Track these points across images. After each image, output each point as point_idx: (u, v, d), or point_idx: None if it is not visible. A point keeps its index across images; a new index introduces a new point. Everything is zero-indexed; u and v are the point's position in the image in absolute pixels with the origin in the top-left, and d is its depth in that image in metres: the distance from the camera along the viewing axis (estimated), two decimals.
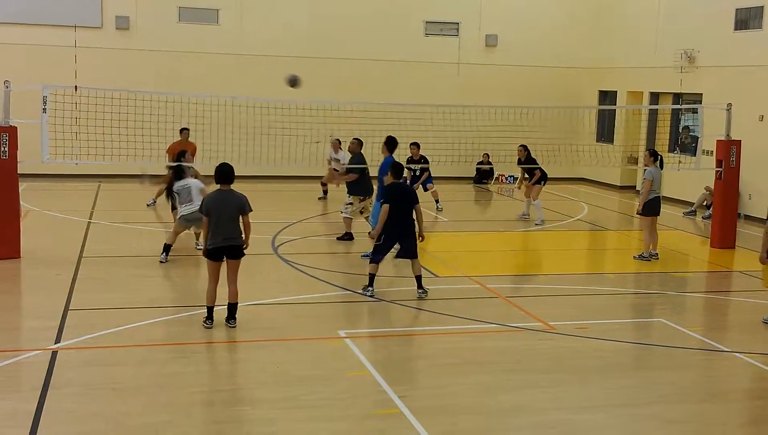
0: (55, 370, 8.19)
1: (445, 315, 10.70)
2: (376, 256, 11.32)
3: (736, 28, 20.00)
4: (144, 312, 10.39)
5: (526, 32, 25.30)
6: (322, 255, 14.28)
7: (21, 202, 13.78)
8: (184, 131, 17.46)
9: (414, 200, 11.31)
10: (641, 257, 14.18)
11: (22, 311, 10.72)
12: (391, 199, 11.16)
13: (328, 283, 12.06)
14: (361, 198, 14.67)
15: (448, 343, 9.66)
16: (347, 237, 14.90)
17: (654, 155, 14.41)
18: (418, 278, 11.38)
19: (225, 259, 9.57)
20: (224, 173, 9.59)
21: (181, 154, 14.19)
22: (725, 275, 13.96)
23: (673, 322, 10.53)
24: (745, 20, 19.77)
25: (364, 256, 13.06)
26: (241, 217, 9.57)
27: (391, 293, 11.65)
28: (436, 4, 24.99)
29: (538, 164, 17.98)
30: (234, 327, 9.56)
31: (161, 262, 12.89)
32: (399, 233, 11.24)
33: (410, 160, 18.25)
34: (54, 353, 8.68)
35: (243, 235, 9.62)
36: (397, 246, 11.52)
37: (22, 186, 14.01)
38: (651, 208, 14.21)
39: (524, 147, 18.03)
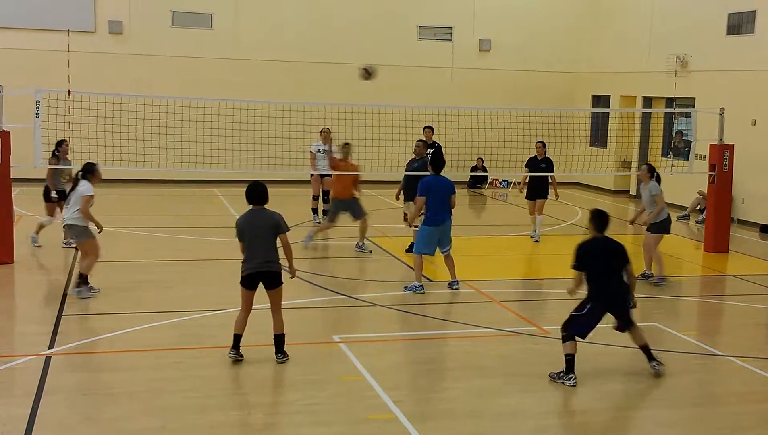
0: (49, 376, 8.16)
1: (440, 320, 10.70)
2: (576, 330, 8.53)
3: (728, 33, 20.07)
4: (137, 317, 10.36)
5: (519, 37, 25.35)
6: (316, 259, 14.26)
7: (14, 207, 13.74)
8: None
9: (624, 259, 8.54)
10: (660, 280, 12.66)
11: (16, 316, 10.67)
12: (584, 264, 8.50)
13: (322, 287, 12.04)
14: None
15: (442, 348, 9.65)
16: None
17: (651, 171, 13.14)
18: (645, 349, 8.79)
19: (264, 288, 8.74)
20: (253, 193, 8.73)
21: (59, 144, 13.94)
22: (719, 279, 13.98)
23: (667, 326, 10.54)
24: (737, 25, 19.84)
25: (406, 289, 11.92)
26: (279, 238, 8.72)
27: (385, 298, 11.64)
28: (430, 8, 25.03)
29: (553, 167, 16.30)
30: (283, 362, 8.71)
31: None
32: (610, 299, 8.54)
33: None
34: (47, 359, 8.65)
35: (278, 261, 8.75)
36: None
37: (15, 191, 13.96)
38: (664, 226, 13.01)
39: (543, 144, 16.34)
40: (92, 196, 11.11)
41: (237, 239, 8.75)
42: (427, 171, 14.52)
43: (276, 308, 8.79)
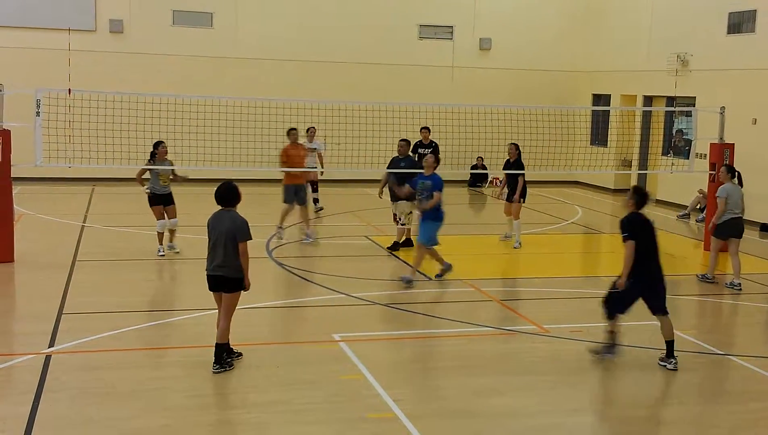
0: (49, 374, 8.17)
1: (440, 318, 10.71)
2: (616, 307, 8.96)
3: (728, 32, 20.07)
4: (138, 316, 10.37)
5: (520, 36, 25.34)
6: (316, 258, 14.27)
7: (14, 206, 13.75)
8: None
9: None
10: (704, 278, 13.05)
11: (16, 315, 10.68)
12: (634, 233, 8.80)
13: (322, 286, 12.05)
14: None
15: (442, 347, 9.66)
16: (407, 244, 14.66)
17: (731, 171, 13.22)
18: (670, 344, 8.98)
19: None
20: (219, 194, 8.51)
21: (156, 145, 13.73)
22: (719, 278, 13.97)
23: None
24: (738, 24, 19.84)
25: (404, 279, 12.17)
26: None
27: (385, 297, 11.65)
28: (431, 7, 25.02)
29: (523, 170, 15.46)
30: (218, 373, 8.35)
31: None
32: (646, 280, 8.87)
33: (420, 145, 18.25)
34: (48, 357, 8.66)
35: (237, 267, 8.36)
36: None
37: (16, 189, 13.99)
38: (725, 229, 12.94)
39: (516, 146, 15.54)
40: None
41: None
42: (414, 169, 14.55)
43: (223, 313, 8.49)
